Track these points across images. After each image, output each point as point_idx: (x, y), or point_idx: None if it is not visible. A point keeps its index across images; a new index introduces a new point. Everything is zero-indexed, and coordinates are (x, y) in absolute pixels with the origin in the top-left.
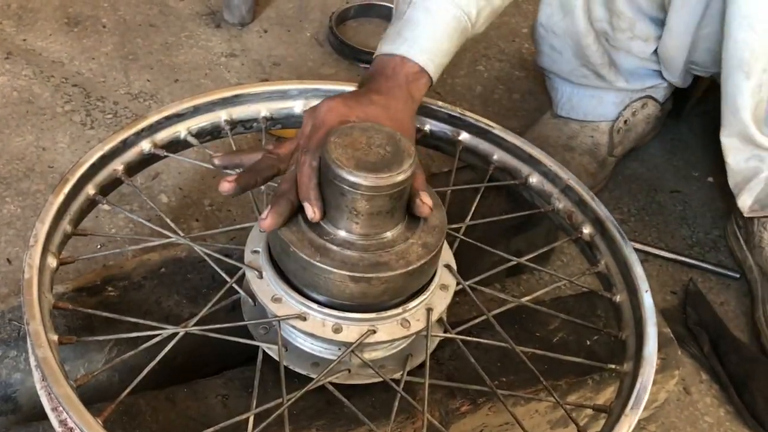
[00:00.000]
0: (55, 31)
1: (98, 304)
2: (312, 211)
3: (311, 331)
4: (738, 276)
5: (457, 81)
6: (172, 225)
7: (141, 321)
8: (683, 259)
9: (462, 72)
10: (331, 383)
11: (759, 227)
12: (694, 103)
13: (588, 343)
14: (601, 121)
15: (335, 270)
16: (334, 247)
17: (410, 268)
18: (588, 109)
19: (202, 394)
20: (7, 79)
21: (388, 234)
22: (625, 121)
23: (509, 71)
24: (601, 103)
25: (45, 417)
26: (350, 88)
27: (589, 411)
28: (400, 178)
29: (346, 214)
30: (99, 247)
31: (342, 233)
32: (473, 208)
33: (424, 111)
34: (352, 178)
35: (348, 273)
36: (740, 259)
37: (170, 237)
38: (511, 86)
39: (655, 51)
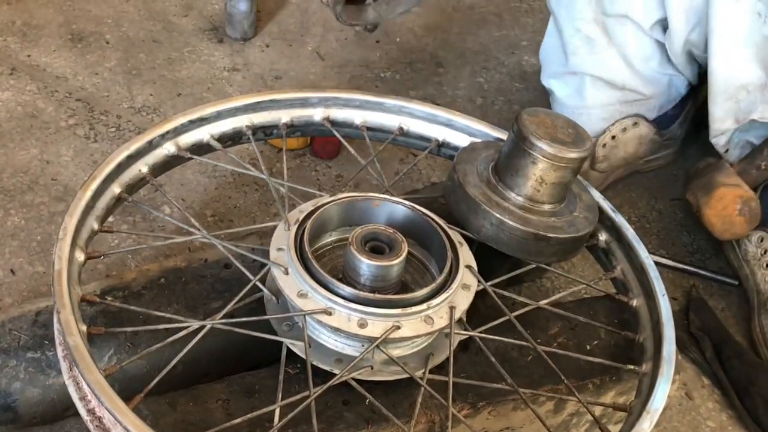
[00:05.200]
0: (59, 47)
1: (98, 313)
2: None
3: (337, 325)
4: (737, 283)
5: (458, 93)
6: (196, 223)
7: (168, 315)
8: (684, 267)
9: (462, 84)
10: (354, 379)
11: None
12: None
13: (588, 347)
14: None
15: (522, 227)
16: (518, 210)
17: (580, 233)
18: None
19: (202, 398)
20: (11, 94)
21: (557, 206)
22: (613, 137)
23: (509, 83)
24: (590, 119)
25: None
26: (367, 97)
27: (591, 417)
28: (584, 154)
29: (531, 182)
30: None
31: (522, 200)
32: None
33: None
34: (548, 149)
35: (533, 230)
36: (736, 268)
37: (195, 234)
38: (510, 98)
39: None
